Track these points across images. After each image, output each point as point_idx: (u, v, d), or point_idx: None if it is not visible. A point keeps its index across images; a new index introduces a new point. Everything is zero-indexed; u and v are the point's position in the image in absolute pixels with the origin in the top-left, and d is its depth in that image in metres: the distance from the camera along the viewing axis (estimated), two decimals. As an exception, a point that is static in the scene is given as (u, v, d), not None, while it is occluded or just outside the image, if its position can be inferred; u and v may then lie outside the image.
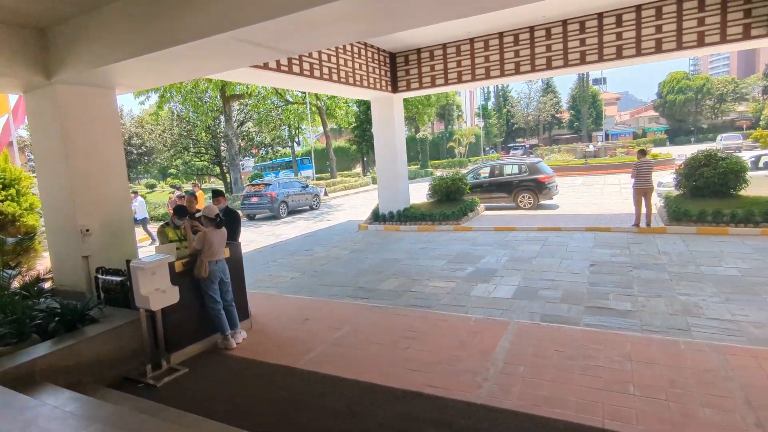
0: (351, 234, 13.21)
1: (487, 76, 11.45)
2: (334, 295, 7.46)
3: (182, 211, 5.70)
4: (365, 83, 11.54)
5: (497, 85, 70.41)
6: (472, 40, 11.55)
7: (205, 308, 5.17)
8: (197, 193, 15.84)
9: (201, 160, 38.03)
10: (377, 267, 9.06)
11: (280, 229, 15.76)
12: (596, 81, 68.02)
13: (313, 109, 33.71)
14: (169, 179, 48.35)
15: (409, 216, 13.48)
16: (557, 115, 71.56)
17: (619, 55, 10.06)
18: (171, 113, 31.81)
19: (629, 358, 4.32)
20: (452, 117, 59.96)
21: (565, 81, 77.38)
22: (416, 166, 43.90)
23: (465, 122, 67.66)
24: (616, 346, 4.58)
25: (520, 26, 10.90)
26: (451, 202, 13.97)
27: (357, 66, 11.18)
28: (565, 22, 10.49)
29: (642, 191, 10.33)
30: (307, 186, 21.20)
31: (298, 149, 54.98)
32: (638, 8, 9.80)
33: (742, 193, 10.71)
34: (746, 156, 12.47)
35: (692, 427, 3.30)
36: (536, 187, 14.87)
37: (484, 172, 16.56)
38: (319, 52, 9.79)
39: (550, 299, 6.39)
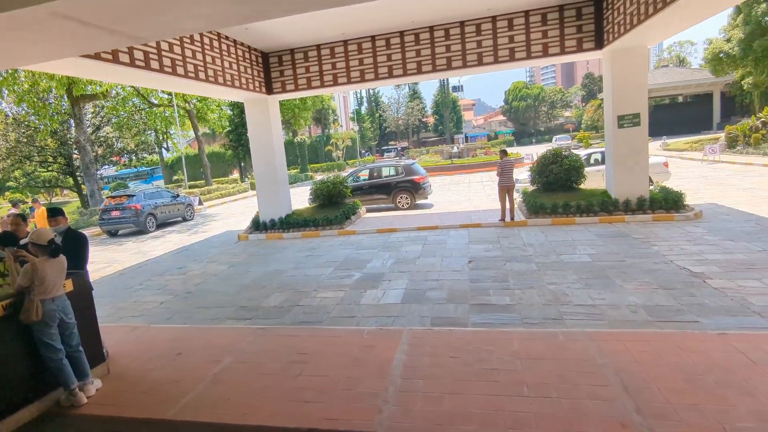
0: (230, 246, 12.06)
1: (362, 79, 11.22)
2: (212, 318, 6.55)
3: (8, 239, 4.43)
4: (237, 83, 10.54)
5: (369, 91, 71.85)
6: (345, 43, 11.22)
7: (42, 360, 4.01)
8: (38, 211, 13.27)
9: (48, 171, 32.48)
10: (260, 281, 8.26)
11: (147, 245, 13.88)
12: (455, 88, 72.95)
13: (182, 112, 30.81)
14: (8, 194, 40.55)
15: (291, 223, 12.74)
16: (423, 120, 75.34)
17: (480, 61, 10.51)
18: (4, 116, 26.55)
19: (518, 356, 4.27)
20: (328, 121, 59.68)
21: (428, 88, 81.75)
22: (296, 170, 42.72)
23: (341, 126, 67.91)
24: (504, 345, 4.53)
25: (391, 30, 10.85)
26: (333, 206, 13.54)
27: (227, 64, 10.15)
28: (432, 29, 10.67)
29: (505, 188, 10.94)
30: (178, 195, 19.12)
31: (167, 156, 50.12)
32: (494, 19, 10.31)
33: (582, 186, 11.95)
34: (582, 154, 14.02)
35: (584, 423, 3.26)
36: (413, 188, 15.12)
37: (364, 174, 16.42)
38: (183, 47, 8.62)
39: (438, 300, 6.28)
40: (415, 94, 73.97)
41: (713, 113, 42.17)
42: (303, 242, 11.53)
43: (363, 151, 65.45)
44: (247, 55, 11.09)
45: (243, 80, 10.85)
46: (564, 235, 9.40)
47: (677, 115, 44.74)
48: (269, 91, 12.07)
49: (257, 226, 13.04)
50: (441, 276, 7.39)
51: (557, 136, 49.57)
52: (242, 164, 40.56)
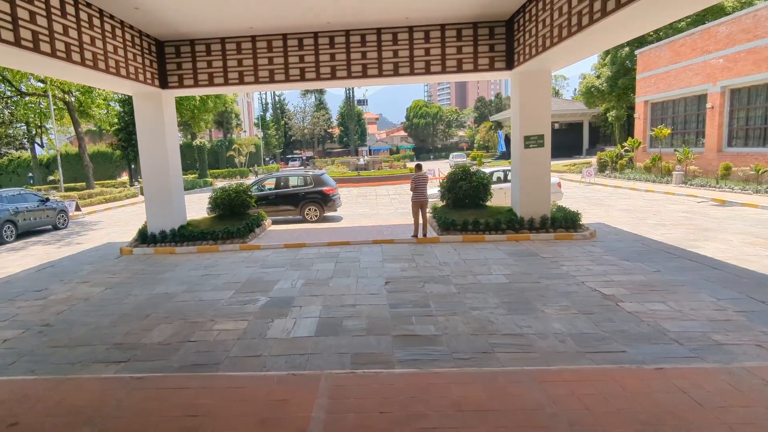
0: (109, 262, 10.04)
1: (272, 80, 10.07)
2: (74, 363, 4.98)
3: None
4: (123, 72, 8.76)
5: (275, 98, 69.21)
6: (254, 39, 9.98)
7: None
8: None
9: None
10: (143, 308, 6.71)
11: (1, 259, 11.15)
12: (360, 102, 73.18)
13: (60, 104, 26.48)
14: None
15: (186, 235, 11.03)
16: (329, 130, 74.45)
17: (396, 72, 9.98)
18: None
19: (459, 408, 3.56)
20: (231, 125, 56.09)
21: (334, 100, 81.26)
22: (194, 176, 39.19)
23: (244, 131, 64.36)
24: (441, 392, 3.80)
25: (305, 30, 9.88)
26: (235, 216, 12.05)
27: (111, 48, 8.36)
28: (348, 33, 9.92)
29: (419, 203, 10.48)
30: (47, 199, 15.94)
31: (41, 153, 43.03)
32: (411, 29, 9.86)
33: (488, 203, 11.97)
34: (486, 172, 14.19)
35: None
36: (322, 199, 14.14)
37: (269, 183, 15.07)
38: (49, 19, 6.80)
39: (356, 331, 5.42)
40: (321, 105, 72.90)
41: (583, 140, 47.10)
42: (199, 258, 9.96)
43: (267, 159, 62.62)
44: (137, 40, 9.34)
45: (131, 69, 9.08)
46: (476, 253, 9.12)
47: (554, 140, 49.15)
48: (163, 84, 10.35)
49: (144, 238, 11.10)
50: (358, 300, 6.55)
51: (454, 153, 51.76)
52: (132, 166, 36.10)
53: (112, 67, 8.38)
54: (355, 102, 70.77)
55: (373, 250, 9.76)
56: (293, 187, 14.57)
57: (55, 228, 15.81)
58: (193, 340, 5.41)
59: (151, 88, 10.02)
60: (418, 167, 10.84)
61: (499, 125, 55.07)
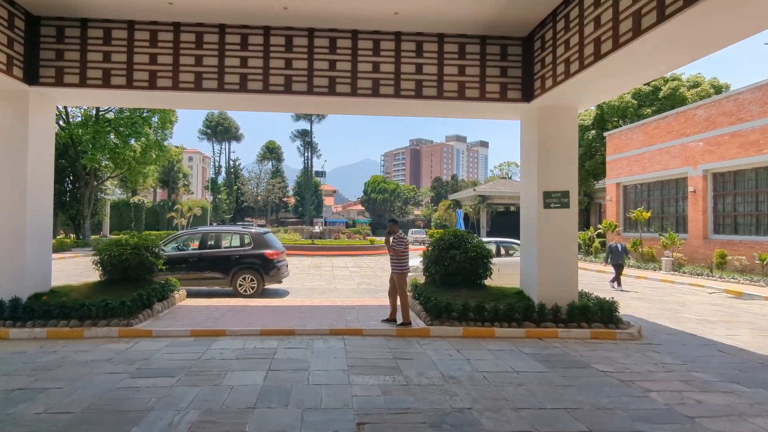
0: None
1: (198, 87, 6.88)
2: None
3: None
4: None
5: (228, 162, 65.88)
6: (177, 27, 6.89)
7: None
8: None
9: None
10: None
11: None
12: (318, 173, 71.18)
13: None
14: None
15: (37, 310, 6.91)
16: (284, 199, 71.23)
17: (375, 91, 7.16)
18: None
19: None
20: (177, 186, 51.64)
21: (291, 173, 79.11)
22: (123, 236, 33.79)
23: (191, 193, 59.78)
24: None
25: (251, 24, 6.94)
26: (128, 283, 8.10)
27: None
28: (312, 33, 7.07)
29: (405, 276, 7.16)
30: None
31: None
32: (398, 37, 7.20)
33: (487, 282, 8.82)
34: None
35: None
36: (262, 266, 10.43)
37: (195, 244, 11.28)
38: None
39: None
40: (277, 172, 70.26)
41: (540, 224, 46.33)
42: (39, 351, 5.89)
43: (214, 224, 57.73)
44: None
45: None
46: (493, 360, 5.74)
47: (511, 221, 48.32)
48: (31, 78, 6.84)
49: (-35, 311, 6.87)
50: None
51: (413, 229, 49.58)
52: None
53: None
54: (313, 172, 68.78)
55: (332, 348, 6.13)
56: (225, 248, 10.82)
57: None
58: None
59: (10, 80, 6.48)
60: (393, 222, 7.55)
61: (457, 204, 54.10)
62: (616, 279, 13.24)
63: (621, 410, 4.20)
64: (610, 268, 13.65)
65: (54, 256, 15.86)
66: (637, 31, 4.96)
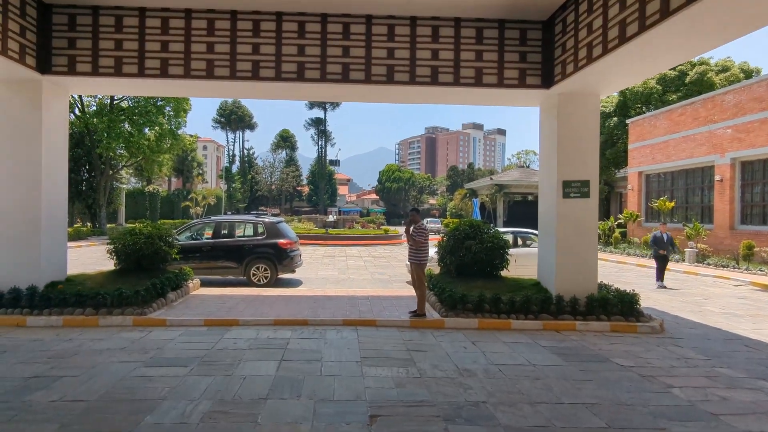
0: None
1: (210, 75, 6.87)
2: None
3: None
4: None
5: (243, 150, 66.35)
6: (188, 13, 6.85)
7: None
8: None
9: None
10: None
11: None
12: (332, 162, 71.21)
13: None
14: None
15: (54, 298, 7.05)
16: (298, 188, 71.56)
17: (390, 78, 7.03)
18: None
19: None
20: (192, 175, 52.25)
21: (305, 162, 79.28)
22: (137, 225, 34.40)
23: (206, 182, 60.45)
24: None
25: (261, 9, 6.88)
26: (142, 272, 8.24)
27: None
28: (324, 18, 6.96)
29: (423, 266, 7.11)
30: None
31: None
32: (413, 21, 7.06)
33: (504, 273, 8.72)
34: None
35: None
36: (275, 256, 10.48)
37: (207, 232, 11.39)
38: None
39: None
40: (291, 161, 70.52)
41: (559, 213, 45.68)
42: (56, 339, 6.03)
43: (229, 212, 58.42)
44: (3, -5, 6.03)
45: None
46: (509, 352, 5.67)
47: (529, 211, 47.72)
48: (44, 67, 6.91)
49: (-14, 298, 7.07)
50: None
51: (428, 219, 49.30)
52: None
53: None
54: (327, 161, 68.87)
55: (345, 339, 6.13)
56: (238, 237, 10.91)
57: None
58: None
59: (21, 68, 6.55)
60: (416, 211, 7.45)
61: (473, 193, 53.63)
62: (659, 273, 11.75)
63: (642, 406, 4.11)
64: (652, 262, 12.32)
65: (70, 244, 16.16)
66: (665, 12, 4.75)
